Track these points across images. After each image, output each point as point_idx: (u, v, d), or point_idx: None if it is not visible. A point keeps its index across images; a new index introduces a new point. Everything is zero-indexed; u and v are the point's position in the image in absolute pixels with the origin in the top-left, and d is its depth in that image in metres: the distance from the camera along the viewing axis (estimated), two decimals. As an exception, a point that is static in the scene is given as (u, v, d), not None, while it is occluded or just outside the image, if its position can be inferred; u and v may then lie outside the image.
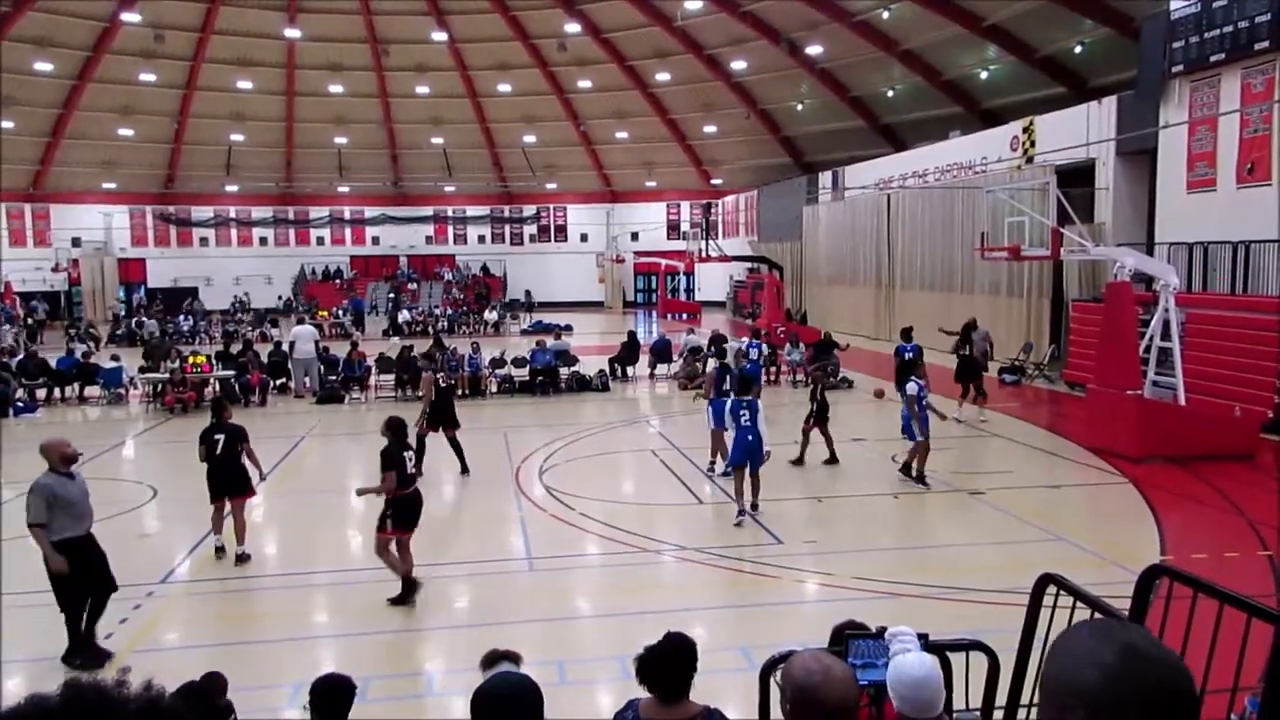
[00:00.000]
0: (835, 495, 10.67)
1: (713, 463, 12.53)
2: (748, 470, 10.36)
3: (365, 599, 8.19)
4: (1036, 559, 8.38)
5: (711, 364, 21.77)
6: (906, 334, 16.95)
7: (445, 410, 13.03)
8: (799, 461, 12.77)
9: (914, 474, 11.77)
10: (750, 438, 10.33)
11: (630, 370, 22.26)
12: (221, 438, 9.29)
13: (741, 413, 10.40)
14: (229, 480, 9.26)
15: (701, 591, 8.29)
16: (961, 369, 16.36)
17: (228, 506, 9.29)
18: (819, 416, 12.91)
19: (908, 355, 15.90)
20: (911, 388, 11.61)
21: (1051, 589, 3.09)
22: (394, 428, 8.52)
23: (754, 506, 10.44)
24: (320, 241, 49.33)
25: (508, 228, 50.94)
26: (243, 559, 9.11)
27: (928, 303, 26.52)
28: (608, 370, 21.48)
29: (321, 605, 8.28)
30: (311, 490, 12.29)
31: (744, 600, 8.12)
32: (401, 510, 8.24)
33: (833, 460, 12.78)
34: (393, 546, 8.20)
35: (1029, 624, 3.07)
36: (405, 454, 8.48)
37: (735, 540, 9.65)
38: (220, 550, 9.21)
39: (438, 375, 13.53)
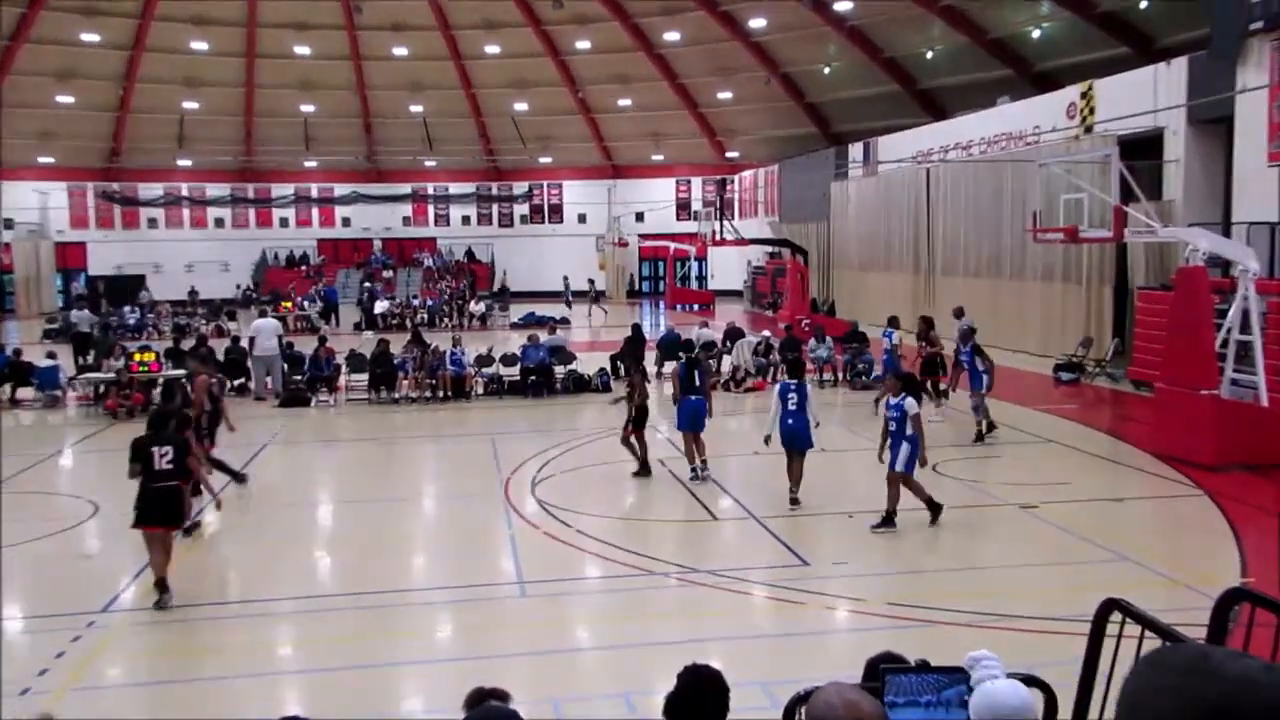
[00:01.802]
0: (869, 510, 10.67)
1: (694, 468, 12.83)
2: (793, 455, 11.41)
3: (335, 629, 8.21)
4: (1098, 581, 8.44)
5: (730, 359, 21.87)
6: (959, 311, 17.62)
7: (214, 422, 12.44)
8: (642, 472, 12.90)
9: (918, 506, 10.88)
10: (791, 422, 11.24)
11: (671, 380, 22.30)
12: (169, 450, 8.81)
13: (790, 395, 11.29)
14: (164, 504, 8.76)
15: (715, 620, 8.30)
16: (925, 366, 16.93)
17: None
18: (638, 422, 12.91)
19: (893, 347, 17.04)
20: (910, 404, 10.43)
21: (1116, 616, 3.07)
22: (151, 421, 9.12)
23: (793, 500, 11.30)
24: (284, 223, 49.49)
25: (496, 208, 51.01)
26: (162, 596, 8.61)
27: (972, 291, 26.46)
28: (609, 369, 21.49)
29: (285, 637, 8.30)
30: (274, 505, 12.32)
31: (764, 630, 8.16)
32: (141, 503, 8.60)
33: (643, 472, 12.85)
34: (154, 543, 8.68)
35: (1090, 656, 3.05)
36: (155, 447, 8.75)
37: (753, 561, 9.69)
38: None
39: (213, 380, 13.18)
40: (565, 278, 42.61)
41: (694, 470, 12.68)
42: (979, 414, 14.73)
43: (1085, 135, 22.11)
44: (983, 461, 13.86)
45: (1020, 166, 23.67)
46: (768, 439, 11.51)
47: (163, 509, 8.72)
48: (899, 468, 10.38)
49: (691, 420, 12.74)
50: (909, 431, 10.34)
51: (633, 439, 13.00)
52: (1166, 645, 2.03)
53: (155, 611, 8.52)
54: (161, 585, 8.58)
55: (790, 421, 11.33)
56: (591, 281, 42.29)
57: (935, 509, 10.59)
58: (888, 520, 10.46)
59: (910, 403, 10.43)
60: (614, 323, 34.88)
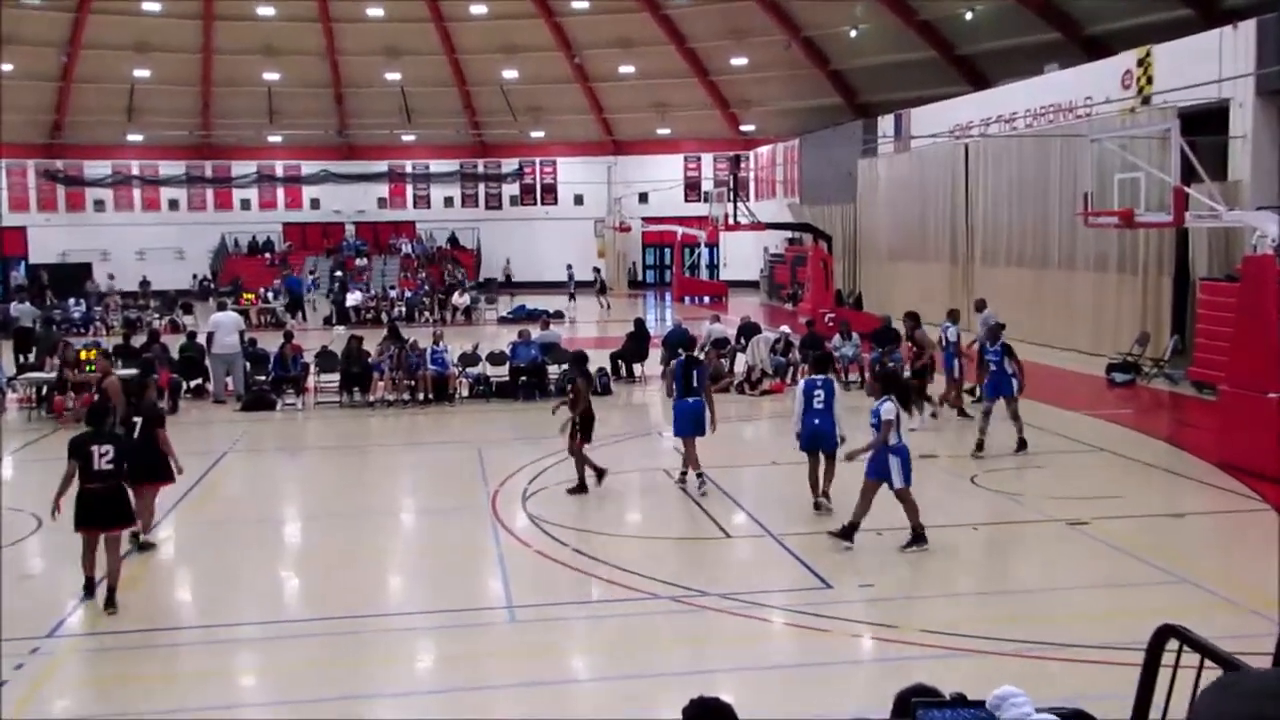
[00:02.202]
0: (900, 527, 10.70)
1: (684, 474, 13.07)
2: (821, 456, 11.77)
3: (302, 657, 8.24)
4: (1154, 606, 8.46)
5: (745, 358, 21.88)
6: (980, 304, 17.89)
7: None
8: (578, 489, 12.85)
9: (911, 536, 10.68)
10: (817, 421, 11.58)
11: (638, 369, 22.29)
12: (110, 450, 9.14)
13: (815, 393, 11.62)
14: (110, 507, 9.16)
15: (727, 648, 8.33)
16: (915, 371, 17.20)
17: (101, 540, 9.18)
18: (584, 433, 12.81)
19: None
20: (889, 409, 10.27)
21: (1172, 644, 3.09)
22: (88, 418, 9.50)
23: (824, 496, 11.72)
24: (246, 205, 49.60)
25: (482, 188, 51.05)
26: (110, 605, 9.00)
27: (1016, 282, 26.49)
28: (609, 369, 21.49)
29: (248, 665, 8.33)
30: (235, 521, 12.35)
31: (782, 660, 8.17)
32: (79, 504, 9.03)
33: (580, 489, 12.82)
34: (100, 546, 9.08)
35: (1144, 687, 3.07)
36: (95, 446, 9.06)
37: (770, 583, 9.73)
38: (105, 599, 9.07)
39: (113, 374, 13.42)
40: (569, 267, 42.64)
41: (682, 477, 13.00)
42: (1017, 421, 14.60)
43: (1142, 107, 22.11)
44: (1025, 473, 13.88)
45: (1070, 142, 23.66)
46: (799, 436, 11.85)
47: (103, 510, 9.00)
48: (897, 484, 10.27)
49: (692, 424, 12.94)
50: (893, 441, 10.22)
51: (582, 451, 12.91)
52: (1234, 672, 2.04)
53: (105, 637, 8.56)
54: (108, 598, 8.99)
55: (816, 422, 11.59)
56: (597, 270, 42.41)
57: (920, 537, 10.35)
58: (917, 538, 10.38)
59: (888, 407, 10.23)
60: (615, 317, 34.84)
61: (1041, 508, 12.03)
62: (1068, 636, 8.09)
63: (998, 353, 14.63)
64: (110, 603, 8.95)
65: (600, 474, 12.96)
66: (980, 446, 14.46)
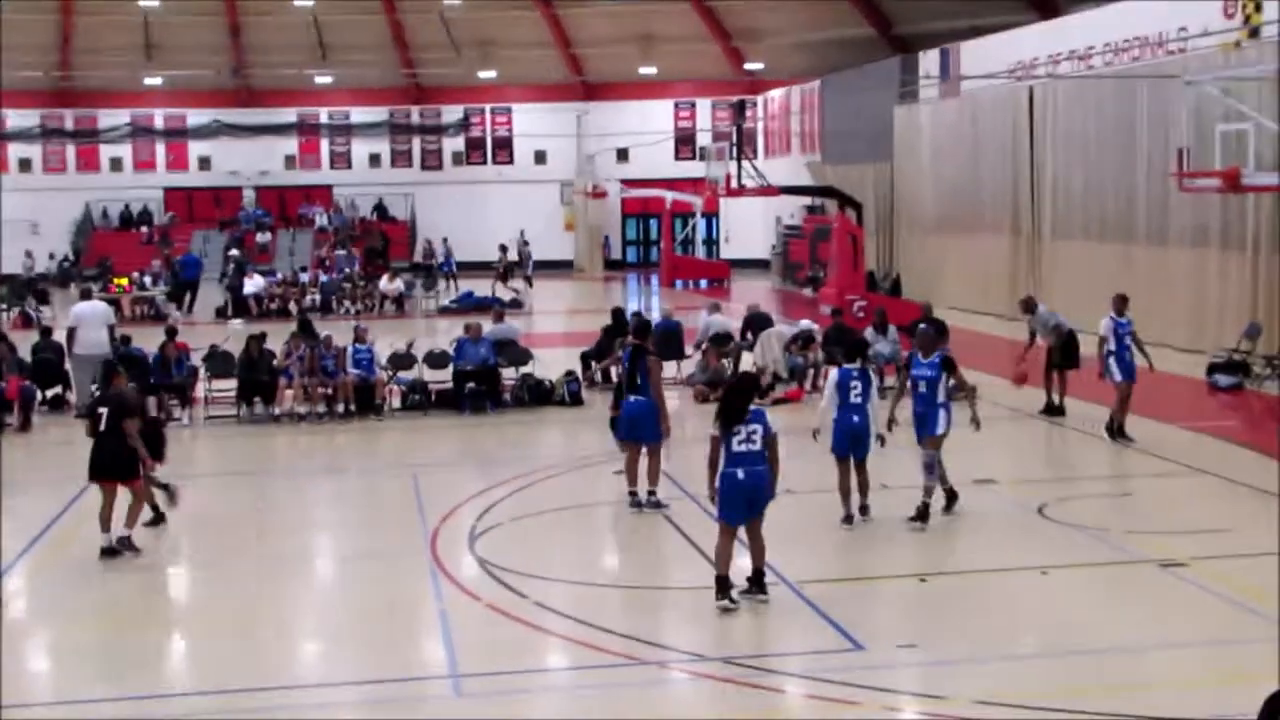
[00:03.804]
0: (948, 571, 10.70)
1: (650, 490, 13.44)
2: (852, 463, 12.37)
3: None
4: (1265, 668, 8.33)
5: (753, 357, 21.81)
6: (1028, 304, 18.32)
7: None
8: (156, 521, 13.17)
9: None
10: (856, 419, 12.27)
11: (615, 372, 22.20)
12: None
13: (853, 385, 12.30)
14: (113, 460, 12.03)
15: (732, 727, 8.19)
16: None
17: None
18: None
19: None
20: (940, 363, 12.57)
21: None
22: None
23: (864, 510, 12.53)
24: (116, 166, 49.53)
25: (417, 142, 50.92)
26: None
27: (1094, 260, 26.50)
28: (580, 372, 21.44)
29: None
30: (103, 569, 12.15)
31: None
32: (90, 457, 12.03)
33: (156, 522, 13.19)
34: None
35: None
36: (103, 407, 11.59)
37: (785, 644, 9.71)
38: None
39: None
40: (506, 246, 42.07)
41: (635, 503, 13.47)
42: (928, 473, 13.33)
43: (1249, 41, 22.17)
44: (1106, 502, 13.97)
45: (1160, 85, 23.64)
46: (816, 433, 12.52)
47: (109, 462, 11.98)
48: (940, 429, 12.36)
49: (630, 428, 13.44)
50: (940, 398, 12.45)
51: None
52: None
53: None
54: (125, 542, 12.01)
55: (855, 419, 12.35)
56: (504, 249, 41.41)
57: (952, 497, 12.79)
58: (950, 498, 12.74)
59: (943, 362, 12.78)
60: (588, 306, 34.78)
61: (1126, 545, 12.04)
62: (1159, 706, 8.08)
63: (934, 368, 12.89)
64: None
65: (172, 493, 13.16)
66: (924, 514, 12.64)
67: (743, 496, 10.27)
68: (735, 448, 10.26)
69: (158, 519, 13.06)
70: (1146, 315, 24.30)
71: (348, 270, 39.75)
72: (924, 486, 12.63)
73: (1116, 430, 16.42)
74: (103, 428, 12.11)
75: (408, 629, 10.33)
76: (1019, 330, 26.09)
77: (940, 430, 12.65)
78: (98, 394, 12.98)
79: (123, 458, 12.08)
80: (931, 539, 12.44)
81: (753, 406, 10.56)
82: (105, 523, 12.06)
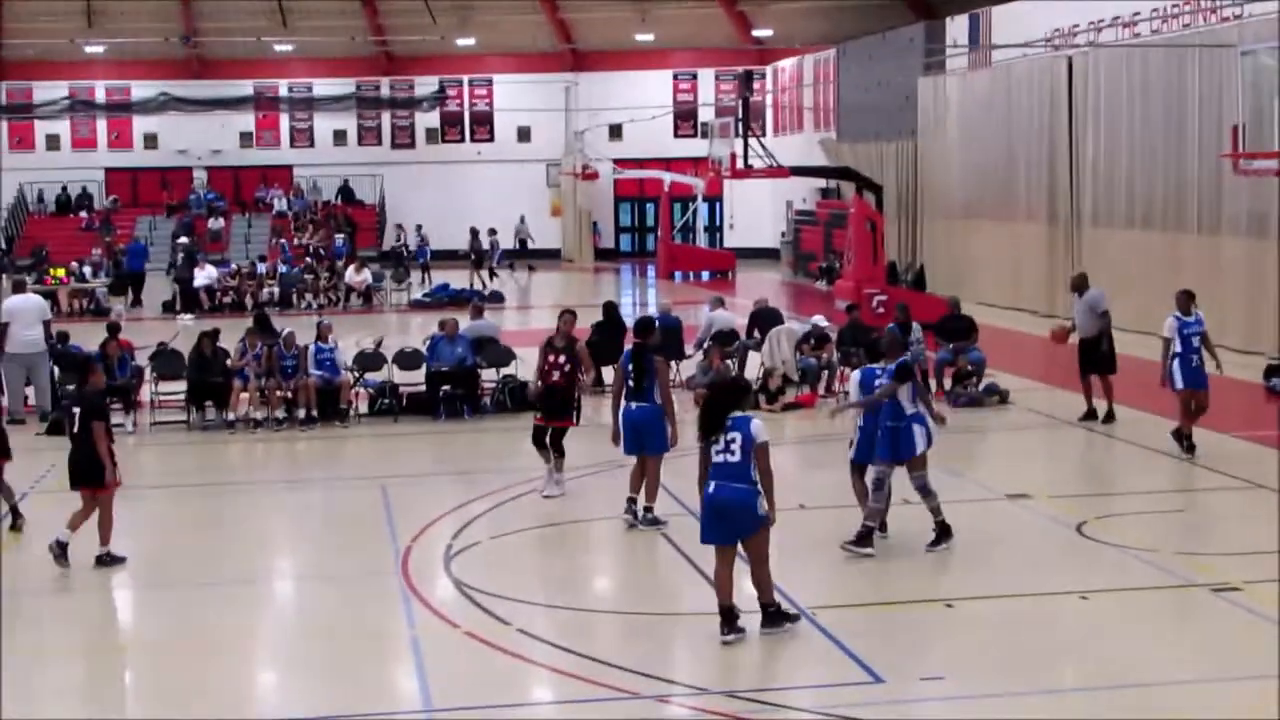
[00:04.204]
0: (977, 595, 10.74)
1: (647, 506, 13.48)
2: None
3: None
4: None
5: (761, 358, 21.48)
6: (1080, 281, 18.48)
7: None
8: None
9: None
10: (891, 423, 12.13)
11: (609, 373, 21.89)
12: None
13: (878, 385, 12.33)
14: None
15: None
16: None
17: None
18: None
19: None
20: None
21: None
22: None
23: (882, 527, 12.42)
24: (53, 144, 49.67)
25: (387, 117, 51.03)
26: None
27: (1139, 250, 26.58)
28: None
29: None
30: (37, 593, 12.07)
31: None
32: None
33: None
34: None
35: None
36: (76, 407, 12.18)
37: (797, 676, 9.76)
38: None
39: None
40: (477, 230, 41.86)
41: (631, 511, 13.49)
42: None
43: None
44: (1153, 519, 13.86)
45: (1213, 55, 23.57)
46: (835, 412, 12.87)
47: (85, 466, 12.30)
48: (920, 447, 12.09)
49: (634, 438, 13.47)
50: (910, 410, 12.12)
51: None
52: None
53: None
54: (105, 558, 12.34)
55: (891, 424, 12.21)
56: (474, 232, 41.55)
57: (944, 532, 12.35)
58: (943, 532, 12.30)
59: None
60: (577, 300, 34.64)
61: (1175, 567, 12.01)
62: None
63: (890, 377, 12.53)
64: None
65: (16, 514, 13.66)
66: (865, 538, 12.30)
67: (715, 513, 10.08)
68: (714, 459, 10.12)
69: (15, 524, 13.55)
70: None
71: (310, 259, 39.42)
72: (869, 508, 12.34)
73: (1183, 440, 16.14)
74: (75, 429, 12.56)
75: (376, 659, 10.30)
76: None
77: (921, 448, 12.32)
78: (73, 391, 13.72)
79: (95, 461, 12.37)
80: (959, 560, 12.43)
81: (737, 414, 10.28)
82: (73, 528, 12.32)
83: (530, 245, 47.13)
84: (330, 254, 40.64)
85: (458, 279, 37.52)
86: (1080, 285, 18.87)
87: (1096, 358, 17.91)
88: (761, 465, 10.03)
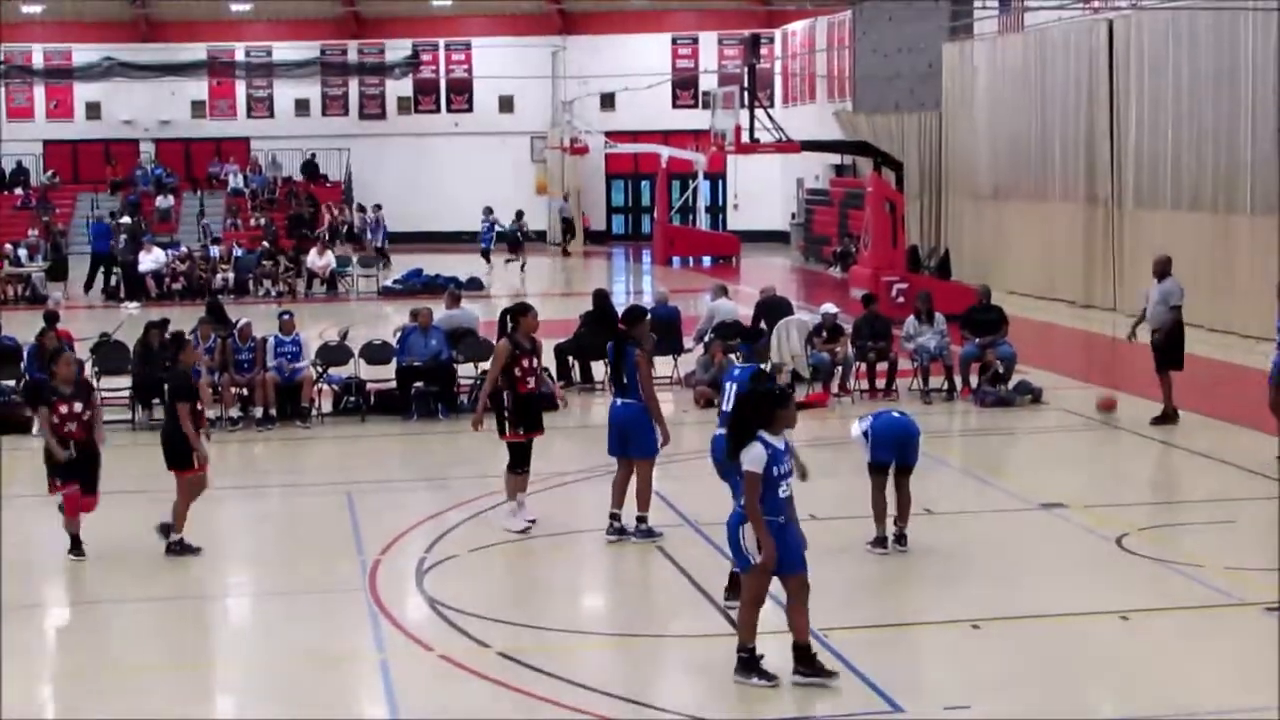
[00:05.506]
0: (1006, 615, 10.81)
1: (640, 516, 13.63)
2: (892, 477, 12.83)
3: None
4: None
5: (772, 351, 21.73)
6: (1164, 266, 18.38)
7: None
8: None
9: None
10: (902, 419, 13.04)
11: (599, 369, 22.11)
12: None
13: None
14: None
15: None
16: None
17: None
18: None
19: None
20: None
21: None
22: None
23: (900, 539, 12.91)
24: (-13, 115, 49.36)
25: (355, 85, 50.92)
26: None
27: (1187, 234, 26.56)
28: (554, 369, 21.31)
29: None
30: None
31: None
32: None
33: None
34: None
35: None
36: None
37: (807, 704, 9.73)
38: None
39: None
40: (491, 208, 42.13)
41: (614, 530, 13.73)
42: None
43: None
44: (1199, 531, 14.03)
45: (1268, 17, 23.72)
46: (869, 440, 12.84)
47: (165, 450, 13.64)
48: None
49: (619, 438, 13.66)
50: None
51: None
52: None
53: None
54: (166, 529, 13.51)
55: (901, 419, 13.02)
56: (489, 209, 41.65)
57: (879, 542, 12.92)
58: (878, 542, 12.95)
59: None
60: (564, 287, 34.74)
61: (1224, 584, 12.05)
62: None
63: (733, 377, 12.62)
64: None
65: None
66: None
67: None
68: (780, 494, 9.97)
69: None
70: (1249, 304, 24.57)
71: (268, 242, 39.09)
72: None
73: None
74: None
75: (341, 685, 10.40)
76: (1093, 320, 26.17)
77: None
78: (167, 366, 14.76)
79: (180, 443, 13.51)
80: (986, 576, 12.59)
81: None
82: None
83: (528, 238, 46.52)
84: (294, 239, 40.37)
85: (430, 263, 37.33)
86: (1164, 270, 18.77)
87: (1166, 352, 18.05)
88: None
